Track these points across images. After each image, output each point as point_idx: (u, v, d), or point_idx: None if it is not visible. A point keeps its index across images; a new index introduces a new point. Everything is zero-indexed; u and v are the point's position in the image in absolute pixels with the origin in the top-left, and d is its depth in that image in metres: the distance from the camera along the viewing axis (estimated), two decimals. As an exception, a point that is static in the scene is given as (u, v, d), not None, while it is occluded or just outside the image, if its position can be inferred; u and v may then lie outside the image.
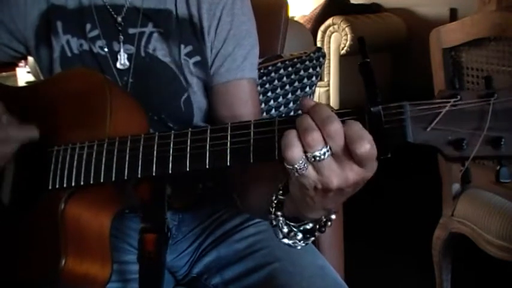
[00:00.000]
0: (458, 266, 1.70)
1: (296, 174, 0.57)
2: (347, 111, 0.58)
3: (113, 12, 0.93)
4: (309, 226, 0.66)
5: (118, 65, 0.93)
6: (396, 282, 2.03)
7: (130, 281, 0.90)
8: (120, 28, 0.93)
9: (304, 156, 0.56)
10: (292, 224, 0.66)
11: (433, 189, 1.67)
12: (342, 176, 0.56)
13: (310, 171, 0.57)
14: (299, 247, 0.67)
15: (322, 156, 0.55)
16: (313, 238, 0.66)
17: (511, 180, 0.56)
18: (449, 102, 0.55)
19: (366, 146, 0.54)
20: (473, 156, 0.55)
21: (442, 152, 0.56)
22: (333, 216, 0.64)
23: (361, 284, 1.42)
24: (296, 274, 0.86)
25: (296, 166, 0.56)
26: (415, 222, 2.34)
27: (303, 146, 0.56)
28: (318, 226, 0.65)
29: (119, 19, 0.92)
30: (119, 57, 0.93)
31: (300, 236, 0.66)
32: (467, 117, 0.55)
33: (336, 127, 0.55)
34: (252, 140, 0.62)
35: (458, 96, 0.55)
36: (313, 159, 0.55)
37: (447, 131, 0.55)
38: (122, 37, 0.92)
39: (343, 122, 0.56)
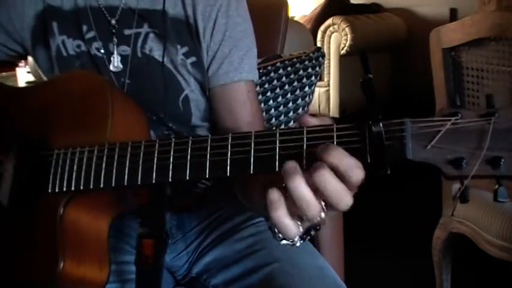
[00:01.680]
0: (458, 266, 1.70)
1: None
2: (348, 126, 0.59)
3: (107, 14, 0.93)
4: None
5: (111, 68, 0.93)
6: (396, 282, 2.03)
7: (129, 281, 0.90)
8: (114, 31, 0.93)
9: (299, 223, 0.58)
10: None
11: (433, 190, 1.67)
12: (329, 212, 0.58)
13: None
14: (298, 244, 0.67)
15: (319, 218, 0.56)
16: (309, 237, 0.67)
17: (508, 200, 0.56)
18: (449, 120, 0.56)
19: (359, 172, 0.55)
20: (472, 176, 0.55)
21: (441, 170, 0.56)
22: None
23: (361, 285, 1.42)
24: (295, 275, 0.86)
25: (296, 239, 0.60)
26: (415, 222, 2.34)
27: (298, 215, 0.57)
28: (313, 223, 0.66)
29: (113, 21, 0.92)
30: (112, 59, 0.93)
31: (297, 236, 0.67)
32: (467, 136, 0.55)
33: (339, 191, 0.54)
34: (252, 151, 0.62)
35: (459, 115, 0.56)
36: (307, 220, 0.57)
37: (447, 150, 0.56)
38: (115, 40, 0.92)
39: (318, 144, 0.57)
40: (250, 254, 0.93)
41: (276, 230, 0.64)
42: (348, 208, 0.56)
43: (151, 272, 0.75)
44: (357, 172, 0.55)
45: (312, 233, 0.65)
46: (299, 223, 0.58)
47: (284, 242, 0.66)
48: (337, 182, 0.55)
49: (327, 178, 0.54)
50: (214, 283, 0.94)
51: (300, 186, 0.55)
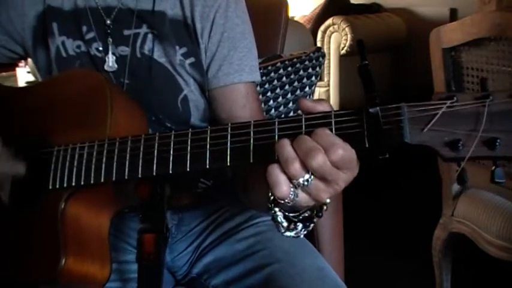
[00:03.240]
0: (458, 266, 1.70)
1: (289, 203, 0.60)
2: (346, 112, 0.59)
3: (103, 15, 0.93)
4: (307, 214, 0.67)
5: (106, 67, 0.93)
6: (396, 282, 2.03)
7: (130, 281, 0.90)
8: (109, 30, 0.93)
9: (291, 186, 0.59)
10: (291, 215, 0.67)
11: (433, 189, 1.67)
12: (329, 190, 0.60)
13: (301, 195, 0.60)
14: (302, 236, 0.68)
15: (306, 183, 0.58)
16: (313, 224, 0.68)
17: (505, 181, 0.57)
18: (445, 103, 0.57)
19: (339, 152, 0.57)
20: (469, 157, 0.56)
21: (439, 153, 0.57)
22: (328, 200, 0.65)
23: (361, 285, 1.42)
24: (295, 276, 0.86)
25: (287, 200, 0.60)
26: (415, 222, 2.34)
27: (287, 176, 0.58)
28: (315, 212, 0.66)
29: (108, 21, 0.92)
30: (106, 59, 0.93)
31: (300, 226, 0.67)
32: (463, 119, 0.56)
33: (318, 161, 0.57)
34: (252, 140, 0.63)
35: (455, 98, 0.57)
36: (298, 185, 0.59)
37: (443, 132, 0.57)
38: (110, 39, 0.92)
39: (311, 132, 0.58)
40: (250, 254, 0.93)
41: (280, 219, 0.65)
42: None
43: (152, 267, 0.75)
44: (337, 150, 0.57)
45: (315, 220, 0.66)
46: (291, 186, 0.59)
47: (288, 233, 0.67)
48: (312, 142, 0.58)
49: (305, 138, 0.58)
50: (215, 283, 0.94)
51: (285, 144, 0.59)
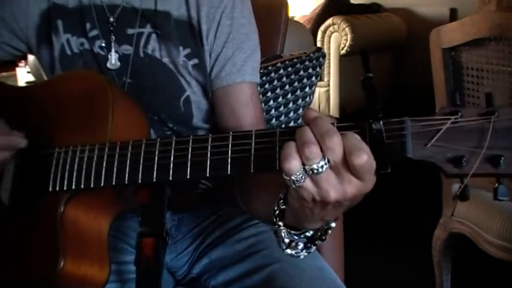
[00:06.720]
0: (458, 266, 1.71)
1: (293, 186, 0.58)
2: (348, 125, 0.59)
3: (107, 12, 0.93)
4: (310, 234, 0.66)
5: (108, 65, 0.92)
6: (396, 282, 2.03)
7: (129, 281, 0.90)
8: (112, 28, 0.93)
9: (302, 169, 0.56)
10: (293, 232, 0.66)
11: (433, 189, 1.67)
12: (340, 189, 0.57)
13: (308, 184, 0.58)
14: (302, 256, 0.67)
15: (320, 170, 0.56)
16: (314, 247, 0.67)
17: (508, 199, 0.56)
18: (450, 119, 0.56)
19: (364, 156, 0.55)
20: (472, 174, 0.55)
21: (442, 169, 0.57)
22: (333, 225, 0.64)
23: (361, 285, 1.42)
24: (295, 276, 0.86)
25: (293, 178, 0.57)
26: (415, 222, 2.34)
27: (301, 158, 0.56)
28: (318, 234, 0.66)
29: (111, 19, 0.93)
30: (109, 57, 0.93)
31: (301, 245, 0.67)
32: (467, 135, 0.56)
33: (335, 140, 0.55)
34: (253, 150, 0.63)
35: (459, 113, 0.56)
36: (311, 172, 0.56)
37: (447, 148, 0.56)
38: (113, 37, 0.92)
39: (341, 134, 0.56)
40: (250, 254, 0.93)
41: (283, 234, 0.64)
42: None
43: (151, 271, 0.75)
44: (360, 153, 0.55)
45: (317, 242, 0.65)
46: (301, 168, 0.57)
47: (288, 251, 0.66)
48: (331, 125, 0.57)
49: (326, 119, 0.57)
50: (215, 283, 0.94)
51: (305, 129, 0.57)
